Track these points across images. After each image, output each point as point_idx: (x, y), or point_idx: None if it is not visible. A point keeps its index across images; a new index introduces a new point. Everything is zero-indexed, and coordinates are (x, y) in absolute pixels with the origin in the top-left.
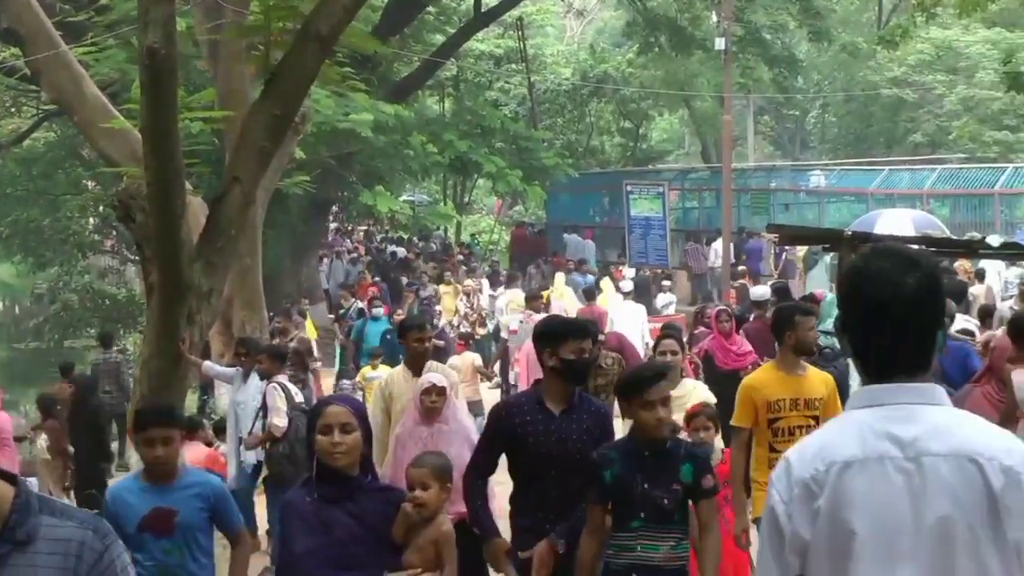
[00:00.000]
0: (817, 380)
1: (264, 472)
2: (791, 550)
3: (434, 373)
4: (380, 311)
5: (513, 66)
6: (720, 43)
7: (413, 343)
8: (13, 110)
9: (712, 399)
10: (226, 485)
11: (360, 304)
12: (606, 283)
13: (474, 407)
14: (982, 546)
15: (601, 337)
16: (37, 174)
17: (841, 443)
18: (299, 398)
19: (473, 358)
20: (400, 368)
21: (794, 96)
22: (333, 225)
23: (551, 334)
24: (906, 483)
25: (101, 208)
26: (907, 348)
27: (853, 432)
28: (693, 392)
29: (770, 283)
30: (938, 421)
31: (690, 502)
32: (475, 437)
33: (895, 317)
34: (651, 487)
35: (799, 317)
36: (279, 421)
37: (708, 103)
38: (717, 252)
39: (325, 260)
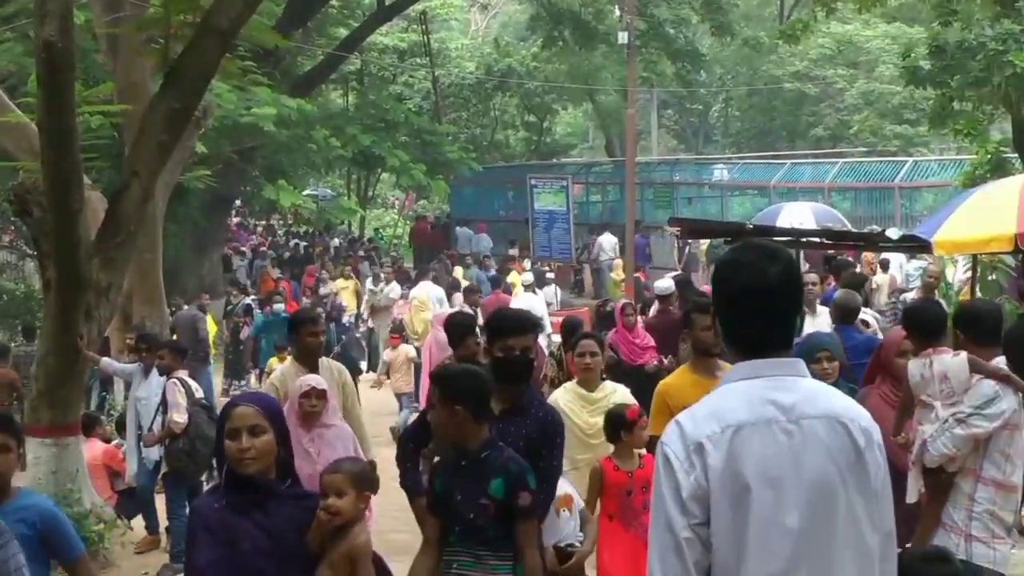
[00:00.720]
0: None
1: (164, 468)
2: (692, 498)
3: (313, 375)
4: (281, 307)
5: (417, 60)
6: (623, 37)
7: (306, 337)
8: None
9: (632, 401)
10: (127, 482)
11: (248, 300)
12: (515, 276)
13: (405, 400)
14: (851, 492)
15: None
16: None
17: (732, 409)
18: (199, 393)
19: (407, 350)
20: (290, 362)
21: (697, 90)
22: (236, 220)
23: (489, 328)
24: (789, 442)
25: None
26: (774, 328)
27: (741, 399)
28: (613, 394)
29: (671, 276)
30: (809, 389)
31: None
32: (347, 441)
33: (762, 302)
34: (463, 500)
35: (695, 315)
36: (179, 417)
37: (612, 97)
38: (603, 246)
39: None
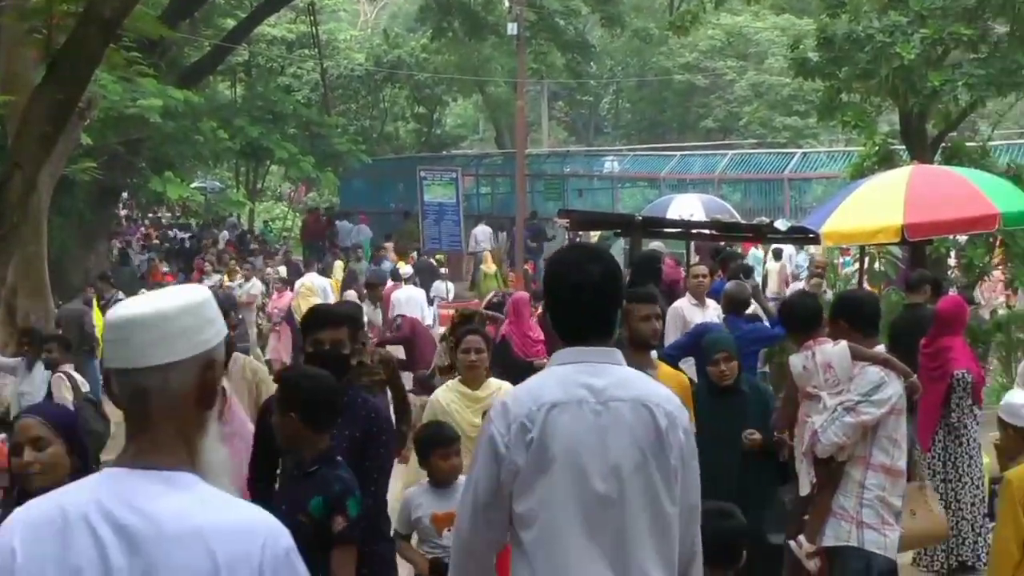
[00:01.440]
0: (671, 381)
1: None
2: (505, 472)
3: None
4: None
5: (305, 51)
6: (513, 28)
7: None
8: None
9: None
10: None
11: (120, 294)
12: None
13: None
14: (650, 467)
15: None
16: None
17: (548, 389)
18: (86, 388)
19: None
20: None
21: (587, 82)
22: (124, 213)
23: (302, 324)
24: (596, 420)
25: None
26: (594, 321)
27: (557, 381)
28: (498, 392)
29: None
30: (620, 375)
31: None
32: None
33: (585, 297)
34: (285, 513)
35: (633, 305)
36: None
37: (502, 88)
38: (477, 238)
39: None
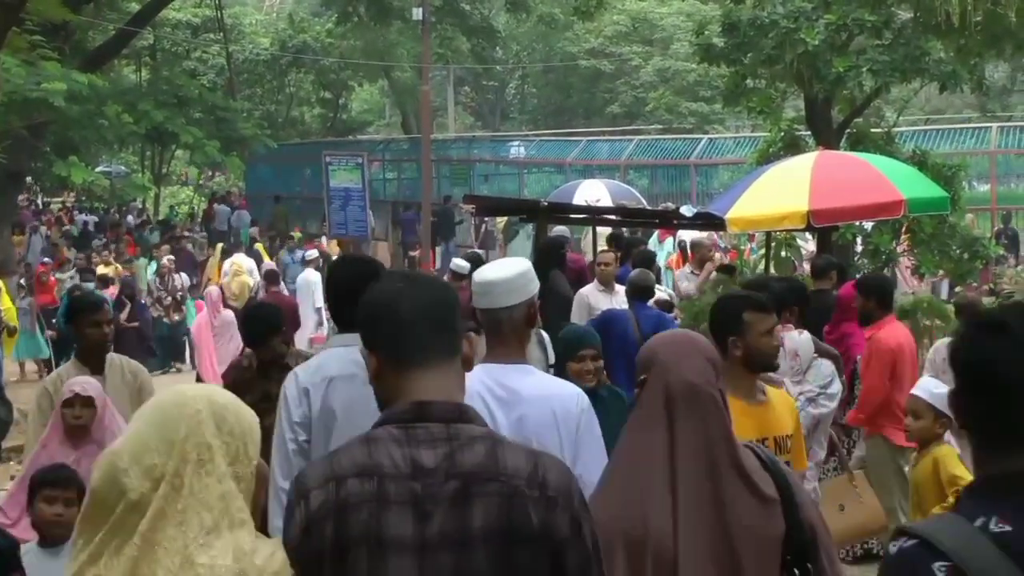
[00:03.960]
0: (783, 405)
1: None
2: (299, 424)
3: (80, 378)
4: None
5: (211, 35)
6: (418, 13)
7: (88, 328)
8: None
9: None
10: None
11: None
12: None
13: None
14: None
15: None
16: None
17: (328, 365)
18: None
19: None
20: (71, 364)
21: (493, 67)
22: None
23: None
24: (365, 389)
25: None
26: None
27: (337, 359)
28: None
29: (465, 253)
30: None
31: None
32: None
33: (348, 288)
34: None
35: (749, 315)
36: None
37: (408, 74)
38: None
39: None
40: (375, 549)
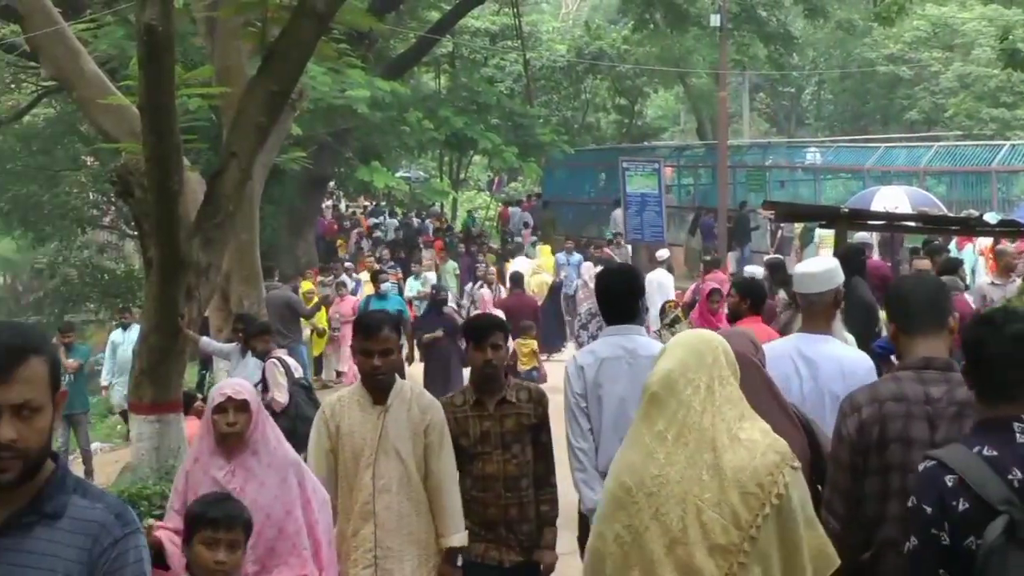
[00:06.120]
0: None
1: None
2: (579, 393)
3: (234, 380)
4: (388, 285)
5: (509, 43)
6: (715, 20)
7: (358, 355)
8: (13, 86)
9: None
10: None
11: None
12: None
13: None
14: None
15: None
16: (36, 150)
17: (601, 349)
18: (299, 372)
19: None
20: (356, 387)
21: (790, 73)
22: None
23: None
24: (629, 368)
25: (100, 184)
26: (622, 309)
27: (607, 345)
28: None
29: (767, 258)
30: (642, 341)
31: None
32: (301, 471)
33: (614, 293)
34: None
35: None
36: (280, 396)
37: (704, 80)
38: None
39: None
40: (905, 446)
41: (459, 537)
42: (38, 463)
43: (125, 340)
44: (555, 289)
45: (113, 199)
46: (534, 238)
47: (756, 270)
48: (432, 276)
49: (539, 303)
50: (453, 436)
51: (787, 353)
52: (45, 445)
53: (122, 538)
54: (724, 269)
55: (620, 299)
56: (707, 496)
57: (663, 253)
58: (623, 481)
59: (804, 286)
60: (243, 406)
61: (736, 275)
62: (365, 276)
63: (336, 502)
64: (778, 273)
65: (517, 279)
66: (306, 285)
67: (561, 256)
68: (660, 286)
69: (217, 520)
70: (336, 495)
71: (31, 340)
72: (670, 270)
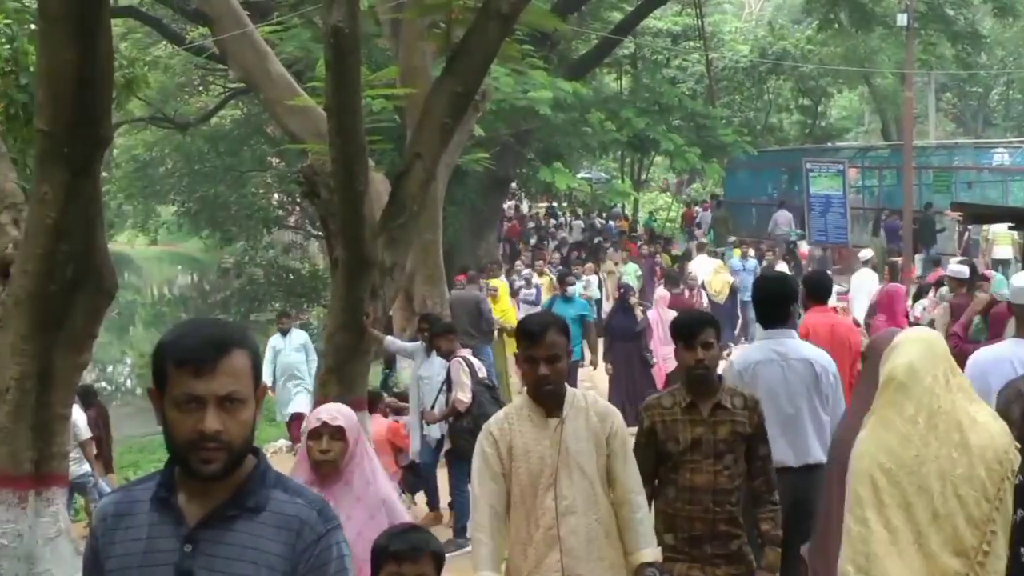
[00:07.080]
0: None
1: (447, 446)
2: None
3: (332, 405)
4: (574, 288)
5: (691, 43)
6: (902, 19)
7: (522, 364)
8: (201, 88)
9: None
10: (411, 457)
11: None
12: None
13: None
14: (812, 395)
15: None
16: (223, 151)
17: (754, 354)
18: (483, 372)
19: None
20: (522, 399)
21: (977, 73)
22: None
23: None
24: (782, 371)
25: (285, 184)
26: (775, 314)
27: (760, 349)
28: None
29: (957, 260)
30: (794, 344)
31: None
32: (392, 511)
33: (772, 299)
34: None
35: None
36: (464, 396)
37: (889, 80)
38: (777, 222)
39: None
40: None
41: (652, 552)
42: (241, 456)
43: (286, 346)
44: (732, 292)
45: (298, 199)
46: (705, 240)
47: (960, 269)
48: (594, 280)
49: (720, 303)
50: (659, 441)
51: (1006, 357)
52: (248, 438)
53: (325, 534)
54: (910, 272)
55: (775, 304)
56: (959, 472)
57: (866, 253)
58: (882, 462)
59: (1019, 297)
60: (338, 433)
61: (921, 278)
62: (538, 279)
63: (510, 531)
64: (975, 274)
65: (672, 279)
66: (496, 283)
67: (736, 261)
68: (862, 286)
69: (402, 553)
70: (509, 524)
71: (234, 333)
72: (875, 269)
